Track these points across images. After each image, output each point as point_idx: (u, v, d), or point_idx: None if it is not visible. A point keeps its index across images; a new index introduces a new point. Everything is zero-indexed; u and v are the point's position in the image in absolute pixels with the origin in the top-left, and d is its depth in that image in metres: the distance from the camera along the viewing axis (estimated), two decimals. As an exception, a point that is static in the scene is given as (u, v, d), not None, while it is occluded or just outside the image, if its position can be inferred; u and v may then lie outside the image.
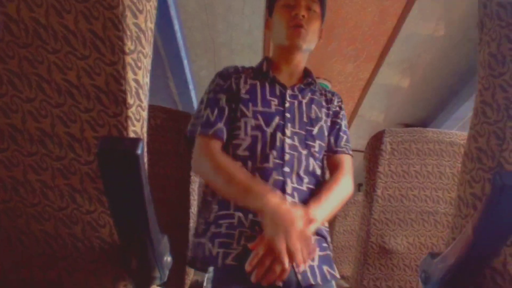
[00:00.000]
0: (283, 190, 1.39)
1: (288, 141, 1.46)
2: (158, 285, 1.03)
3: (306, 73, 1.67)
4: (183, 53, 3.00)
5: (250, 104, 1.50)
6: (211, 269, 1.34)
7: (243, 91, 1.52)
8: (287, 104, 1.52)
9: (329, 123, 1.60)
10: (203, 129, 1.48)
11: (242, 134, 1.47)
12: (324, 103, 1.62)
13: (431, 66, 3.12)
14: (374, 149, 2.14)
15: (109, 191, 0.81)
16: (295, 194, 1.41)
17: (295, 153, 1.46)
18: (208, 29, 2.92)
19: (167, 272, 1.00)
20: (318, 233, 1.44)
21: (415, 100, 3.62)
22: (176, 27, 2.72)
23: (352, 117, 3.97)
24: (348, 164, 1.58)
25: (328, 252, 1.45)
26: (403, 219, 2.11)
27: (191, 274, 2.12)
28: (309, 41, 1.58)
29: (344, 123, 1.65)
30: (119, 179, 0.79)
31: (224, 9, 2.73)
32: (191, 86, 3.41)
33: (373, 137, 2.17)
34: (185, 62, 3.11)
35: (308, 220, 1.26)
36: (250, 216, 1.35)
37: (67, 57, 0.75)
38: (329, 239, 1.50)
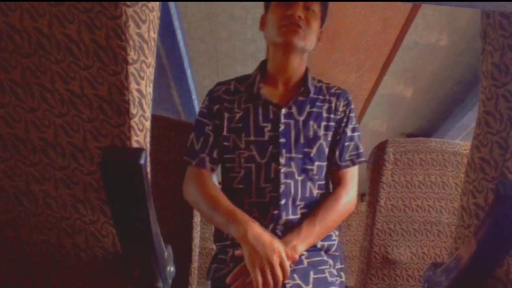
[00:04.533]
0: (276, 223, 1.38)
1: (283, 169, 1.40)
2: (160, 295, 1.03)
3: (304, 79, 1.51)
4: (186, 63, 3.01)
5: (243, 135, 1.44)
6: (209, 282, 1.41)
7: (236, 118, 1.46)
8: (281, 128, 1.43)
9: (330, 138, 1.48)
10: (188, 157, 1.47)
11: (236, 167, 1.44)
12: (325, 114, 1.48)
13: (434, 75, 3.13)
14: (377, 159, 2.13)
15: (112, 201, 0.81)
16: (289, 225, 1.38)
17: (291, 181, 1.40)
18: (211, 38, 2.93)
19: (170, 282, 1.00)
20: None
21: (418, 109, 3.62)
22: (179, 36, 2.73)
23: (355, 126, 3.97)
24: (351, 176, 1.50)
25: (343, 280, 1.48)
26: (406, 229, 2.10)
27: (194, 284, 2.12)
28: (307, 41, 1.44)
29: (350, 128, 1.51)
30: (122, 189, 0.79)
31: (227, 18, 2.74)
32: (194, 96, 3.42)
33: (376, 147, 2.17)
34: (188, 71, 3.11)
35: (287, 255, 1.27)
36: None
37: (70, 67, 0.75)
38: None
